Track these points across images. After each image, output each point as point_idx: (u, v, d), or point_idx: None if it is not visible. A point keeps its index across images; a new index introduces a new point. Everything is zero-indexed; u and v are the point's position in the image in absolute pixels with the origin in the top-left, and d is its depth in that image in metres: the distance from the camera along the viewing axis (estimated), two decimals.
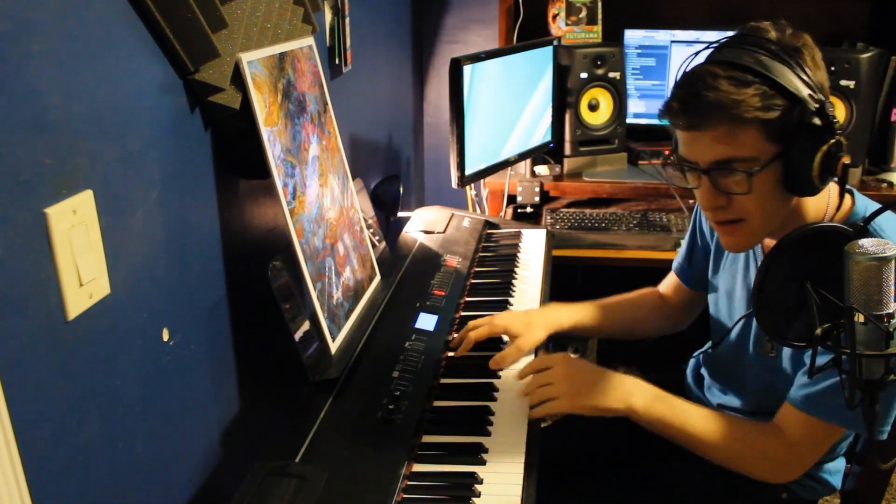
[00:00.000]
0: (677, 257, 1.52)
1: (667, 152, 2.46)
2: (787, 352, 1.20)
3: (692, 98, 1.03)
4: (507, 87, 2.08)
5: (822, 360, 0.99)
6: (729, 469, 1.18)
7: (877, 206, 1.14)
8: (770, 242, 1.24)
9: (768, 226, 1.11)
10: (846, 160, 1.04)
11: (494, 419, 1.19)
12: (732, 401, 1.34)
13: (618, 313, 1.52)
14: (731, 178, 1.06)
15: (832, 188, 1.14)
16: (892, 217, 1.10)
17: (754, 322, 1.27)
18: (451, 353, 1.37)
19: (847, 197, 1.16)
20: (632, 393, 1.18)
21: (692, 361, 1.52)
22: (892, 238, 0.92)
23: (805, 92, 1.01)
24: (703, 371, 1.45)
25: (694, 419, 1.18)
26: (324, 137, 1.34)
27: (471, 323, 1.39)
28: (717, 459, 1.18)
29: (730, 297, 1.34)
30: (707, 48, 1.08)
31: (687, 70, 1.07)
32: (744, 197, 1.06)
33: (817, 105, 1.01)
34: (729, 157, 1.04)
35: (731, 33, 1.08)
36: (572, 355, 2.37)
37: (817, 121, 1.01)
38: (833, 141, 1.01)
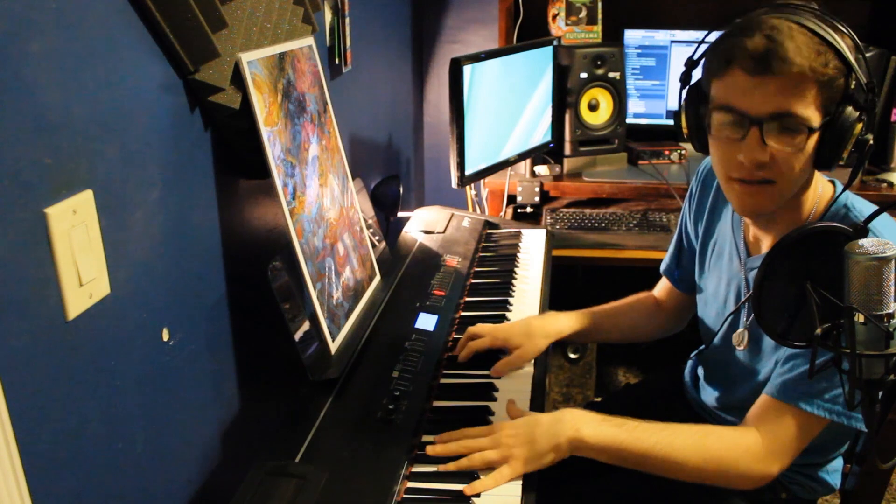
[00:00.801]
0: (665, 260, 1.53)
1: (667, 151, 2.46)
2: (766, 344, 1.20)
3: (772, 40, 1.01)
4: (507, 87, 2.08)
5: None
6: (702, 484, 1.14)
7: (857, 198, 1.16)
8: (754, 238, 1.24)
9: (791, 193, 1.11)
10: (871, 140, 1.07)
11: (494, 419, 1.18)
12: (728, 400, 1.34)
13: (615, 320, 1.52)
14: (785, 133, 1.04)
15: (819, 178, 1.16)
16: (888, 218, 1.11)
17: (741, 319, 1.27)
18: (449, 354, 1.37)
19: (829, 186, 1.17)
20: (576, 420, 1.12)
21: (689, 362, 1.52)
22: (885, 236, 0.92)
23: (859, 67, 1.03)
24: (699, 371, 1.46)
25: (647, 433, 1.12)
26: (324, 137, 1.34)
27: (471, 330, 1.38)
28: (683, 474, 1.13)
29: (716, 296, 1.34)
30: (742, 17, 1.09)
31: (751, 18, 1.06)
32: (786, 156, 1.05)
33: (868, 81, 1.03)
34: (790, 111, 1.03)
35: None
36: (572, 354, 2.38)
37: (862, 98, 1.03)
38: (867, 120, 1.04)
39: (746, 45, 1.02)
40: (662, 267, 1.54)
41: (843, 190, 1.13)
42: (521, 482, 1.06)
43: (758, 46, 1.02)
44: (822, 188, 1.16)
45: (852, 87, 1.03)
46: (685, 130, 1.19)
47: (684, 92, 1.19)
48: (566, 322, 1.44)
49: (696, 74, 1.19)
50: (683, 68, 1.19)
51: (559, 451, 1.10)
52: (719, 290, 1.33)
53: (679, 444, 1.12)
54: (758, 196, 1.10)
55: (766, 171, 1.07)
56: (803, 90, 1.02)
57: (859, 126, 1.04)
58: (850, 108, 1.04)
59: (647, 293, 1.57)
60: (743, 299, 1.26)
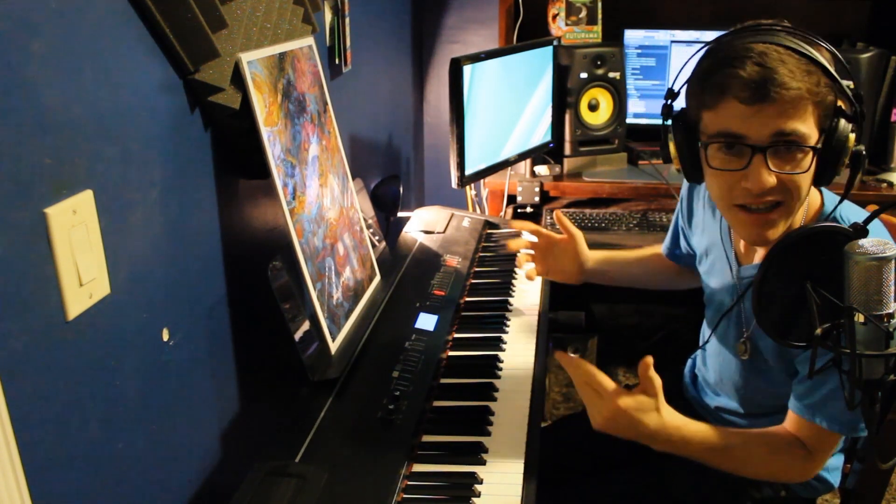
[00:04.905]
0: (665, 243, 1.56)
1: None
2: (768, 353, 1.20)
3: (765, 67, 1.00)
4: (507, 87, 2.08)
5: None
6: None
7: (846, 206, 1.14)
8: (745, 248, 1.24)
9: (796, 210, 1.10)
10: (863, 150, 1.07)
11: (494, 419, 1.19)
12: (728, 403, 1.34)
13: (630, 269, 1.60)
14: (788, 156, 1.04)
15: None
16: (877, 223, 1.11)
17: (732, 323, 1.27)
18: (450, 354, 1.37)
19: (816, 194, 1.16)
20: (664, 445, 1.14)
21: (689, 362, 1.52)
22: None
23: (845, 81, 1.03)
24: (698, 372, 1.46)
25: (717, 456, 1.16)
26: (324, 137, 1.34)
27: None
28: (742, 475, 1.19)
29: (712, 298, 1.35)
30: (723, 35, 1.09)
31: (733, 46, 1.04)
32: (792, 178, 1.05)
33: (855, 91, 1.03)
34: (791, 134, 1.02)
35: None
36: (572, 354, 2.37)
37: (851, 110, 1.04)
38: (858, 132, 1.05)
39: (740, 74, 1.01)
40: (664, 250, 1.56)
41: (840, 201, 1.12)
42: (521, 483, 1.06)
43: (752, 75, 1.01)
44: (809, 198, 1.15)
45: (839, 101, 1.04)
46: (677, 165, 1.16)
47: (670, 127, 1.15)
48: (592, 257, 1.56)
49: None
50: (665, 101, 1.17)
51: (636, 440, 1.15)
52: (715, 294, 1.34)
53: (748, 469, 1.18)
54: (768, 224, 1.09)
55: (774, 195, 1.06)
56: (801, 111, 1.02)
57: (853, 138, 1.04)
58: (843, 122, 1.04)
59: (656, 252, 1.60)
60: (729, 307, 1.27)
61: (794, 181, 1.05)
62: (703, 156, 1.10)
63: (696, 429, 1.15)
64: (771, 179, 1.04)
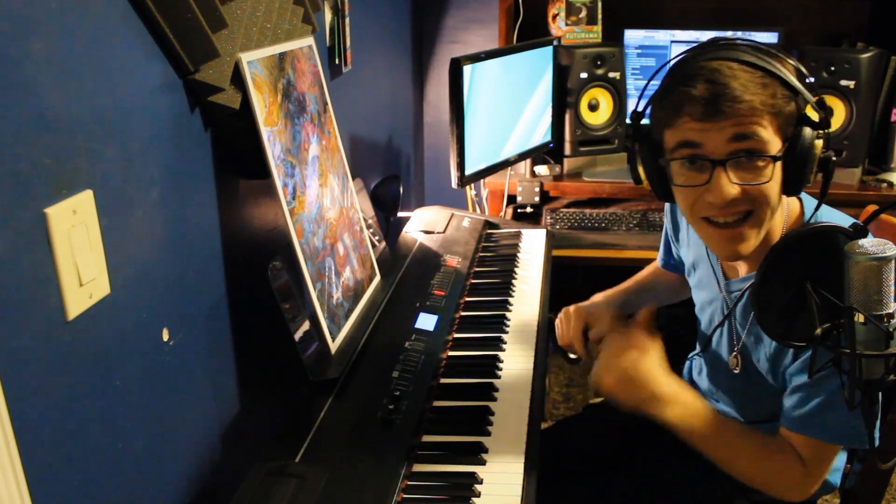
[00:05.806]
0: (660, 255, 1.56)
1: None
2: (760, 366, 1.20)
3: (716, 83, 1.01)
4: (507, 87, 2.08)
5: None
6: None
7: (828, 211, 1.14)
8: (735, 262, 1.24)
9: (768, 220, 1.09)
10: (833, 156, 1.07)
11: (494, 419, 1.19)
12: (727, 410, 1.34)
13: (644, 297, 1.58)
14: (749, 166, 1.04)
15: (784, 198, 1.14)
16: (837, 213, 1.13)
17: (724, 335, 1.27)
18: (450, 354, 1.37)
19: (796, 202, 1.16)
20: (664, 410, 1.14)
21: (687, 363, 1.52)
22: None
23: (801, 85, 1.04)
24: (695, 379, 1.45)
25: (713, 445, 1.15)
26: (324, 137, 1.34)
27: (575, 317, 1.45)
28: (733, 472, 1.17)
29: (703, 309, 1.35)
30: (680, 55, 1.09)
31: (689, 65, 1.05)
32: (756, 188, 1.05)
33: (816, 97, 1.03)
34: (748, 146, 1.03)
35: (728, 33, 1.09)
36: (572, 355, 2.37)
37: (815, 115, 1.03)
38: (825, 134, 1.04)
39: (692, 93, 1.02)
40: (660, 262, 1.57)
41: (818, 206, 1.12)
42: (521, 483, 1.06)
43: (703, 93, 1.01)
44: (788, 206, 1.15)
45: (804, 109, 1.04)
46: (645, 183, 1.17)
47: (636, 145, 1.16)
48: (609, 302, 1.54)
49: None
50: (629, 122, 1.17)
51: (635, 411, 1.16)
52: (705, 308, 1.34)
53: (740, 462, 1.16)
54: (738, 239, 1.09)
55: (740, 205, 1.07)
56: (757, 122, 1.02)
57: (819, 145, 1.04)
58: (806, 130, 1.04)
59: (654, 269, 1.60)
60: (719, 321, 1.27)
61: (760, 190, 1.05)
62: (668, 173, 1.12)
63: (697, 399, 1.16)
64: (732, 191, 1.05)
